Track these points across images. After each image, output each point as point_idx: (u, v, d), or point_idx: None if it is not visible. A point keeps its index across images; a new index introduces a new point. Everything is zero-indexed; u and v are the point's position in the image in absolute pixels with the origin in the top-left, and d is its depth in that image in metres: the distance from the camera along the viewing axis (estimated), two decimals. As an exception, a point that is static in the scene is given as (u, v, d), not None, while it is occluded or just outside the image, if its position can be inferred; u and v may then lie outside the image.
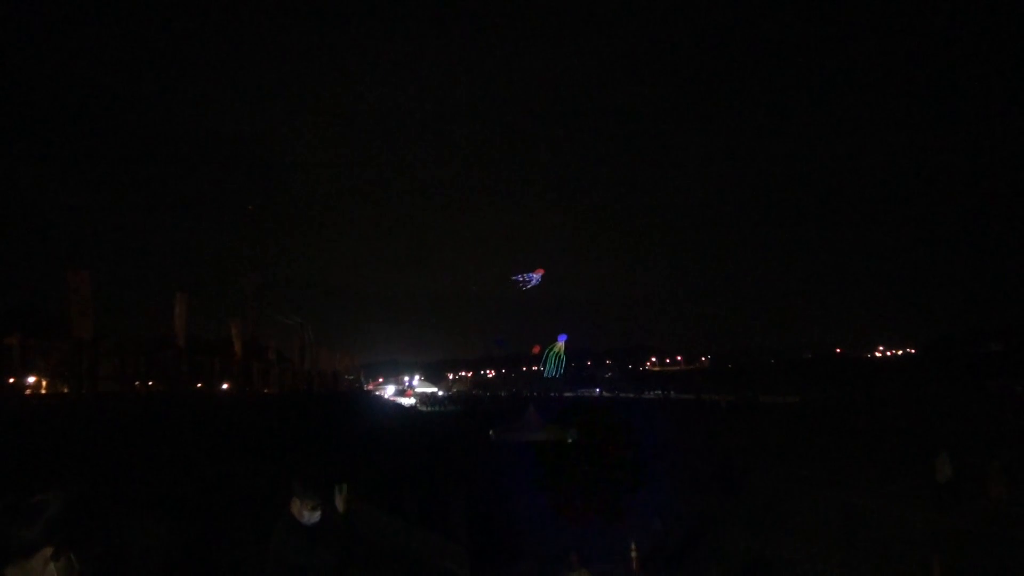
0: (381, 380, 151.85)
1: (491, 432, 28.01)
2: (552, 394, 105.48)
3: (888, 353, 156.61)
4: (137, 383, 28.95)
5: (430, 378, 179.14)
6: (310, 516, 4.09)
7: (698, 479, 21.24)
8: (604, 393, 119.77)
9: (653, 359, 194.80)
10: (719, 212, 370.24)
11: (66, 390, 24.60)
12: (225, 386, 36.10)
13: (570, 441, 25.74)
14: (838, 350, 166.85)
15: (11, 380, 24.38)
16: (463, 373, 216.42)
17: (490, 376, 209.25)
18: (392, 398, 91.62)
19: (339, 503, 4.31)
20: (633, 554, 12.98)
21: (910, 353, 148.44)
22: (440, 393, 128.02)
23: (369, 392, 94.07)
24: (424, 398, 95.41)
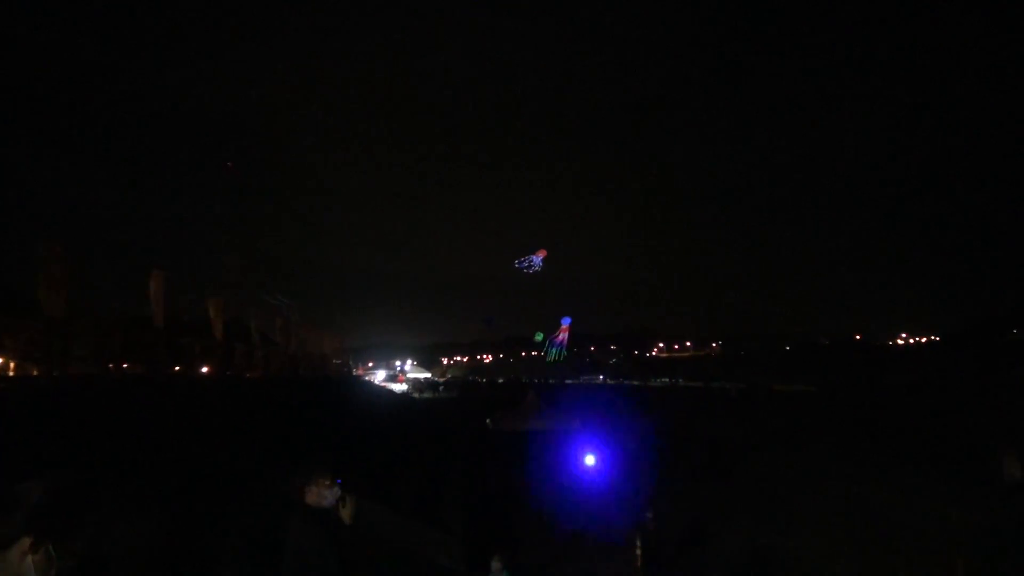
0: (371, 364, 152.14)
1: (488, 420, 28.15)
2: (551, 381, 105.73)
3: (911, 341, 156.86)
4: (112, 365, 28.96)
5: (423, 363, 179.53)
6: (331, 495, 4.14)
7: (702, 469, 21.37)
8: (608, 380, 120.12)
9: (660, 345, 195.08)
10: (731, 191, 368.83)
11: (36, 372, 24.64)
12: (205, 369, 36.14)
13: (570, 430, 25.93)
14: (857, 336, 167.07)
15: (-23, 361, 24.40)
16: (458, 358, 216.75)
17: (487, 361, 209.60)
18: (383, 384, 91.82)
19: (345, 515, 4.34)
20: (638, 551, 13.07)
21: (934, 340, 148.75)
22: (434, 379, 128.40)
23: (358, 377, 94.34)
24: (417, 384, 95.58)
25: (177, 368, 33.39)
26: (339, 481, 4.29)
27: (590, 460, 18.97)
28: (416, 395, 70.76)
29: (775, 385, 76.05)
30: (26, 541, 1.89)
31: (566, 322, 28.50)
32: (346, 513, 4.33)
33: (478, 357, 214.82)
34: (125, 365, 29.97)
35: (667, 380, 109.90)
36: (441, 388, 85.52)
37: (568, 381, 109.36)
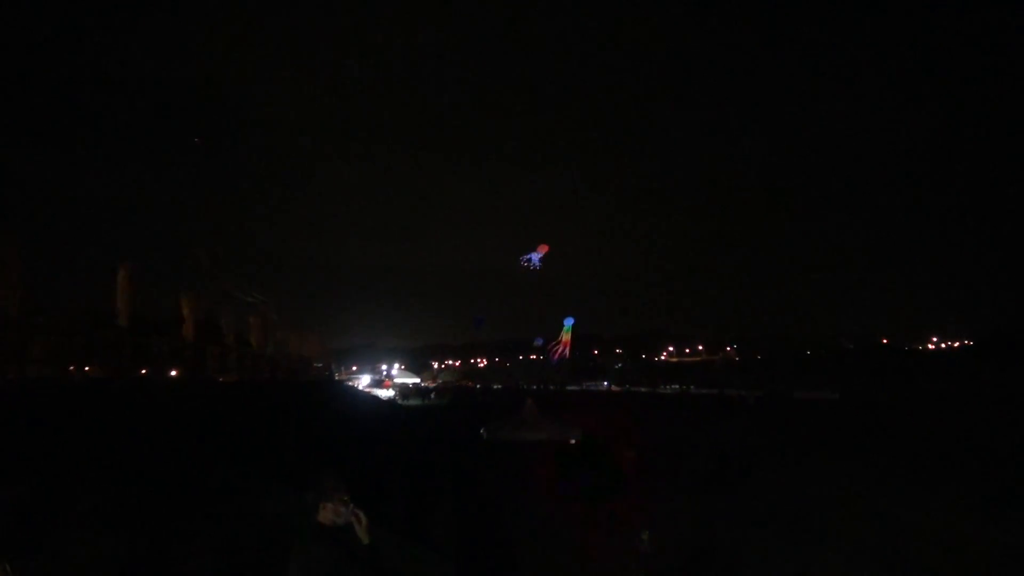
0: (355, 368, 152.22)
1: (482, 430, 28.16)
2: (551, 387, 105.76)
3: (942, 345, 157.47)
4: (72, 368, 28.89)
5: (412, 367, 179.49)
6: (347, 512, 4.12)
7: (710, 484, 21.40)
8: (613, 387, 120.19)
9: (671, 348, 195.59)
10: (746, 185, 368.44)
11: (-10, 375, 24.58)
12: (174, 373, 36.08)
13: (573, 442, 25.97)
14: (884, 340, 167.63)
15: (-76, 363, 24.31)
16: (450, 362, 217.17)
17: (481, 365, 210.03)
18: (367, 389, 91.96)
19: (362, 534, 4.32)
20: None
21: (967, 345, 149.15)
22: (423, 384, 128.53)
23: (341, 382, 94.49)
24: (404, 390, 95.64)
25: (144, 371, 33.33)
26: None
27: (589, 473, 19.02)
28: (403, 402, 70.83)
29: (795, 392, 76.13)
30: (-18, 558, 1.89)
31: (568, 323, 28.35)
32: (363, 531, 4.32)
33: (472, 361, 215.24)
34: (87, 368, 29.88)
35: (678, 387, 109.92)
36: (432, 395, 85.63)
37: (570, 387, 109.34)
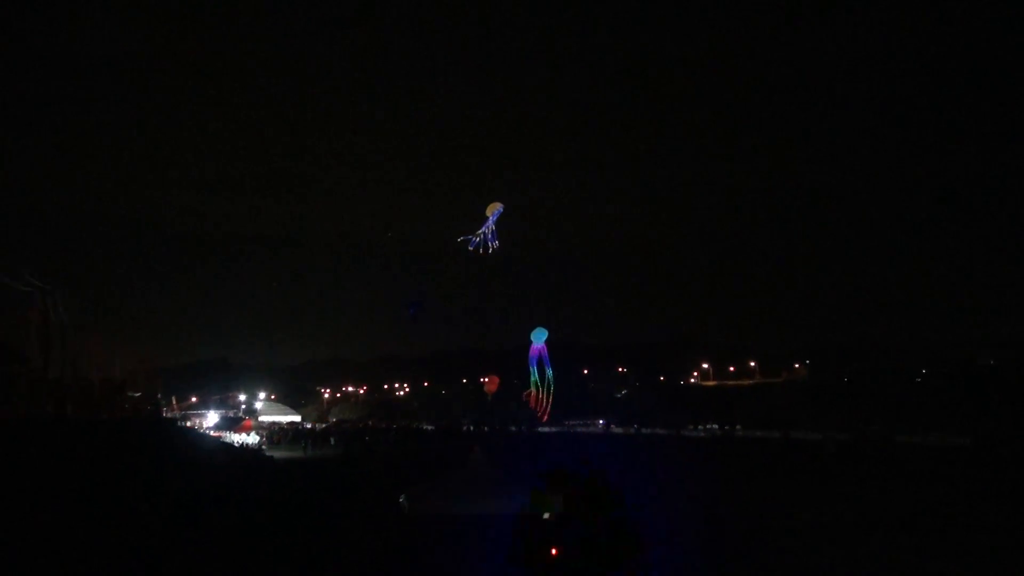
0: (196, 400, 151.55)
1: (402, 498, 28.31)
2: (512, 428, 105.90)
3: None
4: None
5: (289, 397, 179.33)
6: None
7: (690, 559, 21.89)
8: (614, 428, 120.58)
9: (705, 365, 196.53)
10: (822, 123, 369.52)
11: None
12: None
13: (547, 517, 26.25)
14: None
15: None
16: (350, 388, 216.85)
17: (402, 394, 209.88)
18: (216, 433, 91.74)
19: None
20: None
21: None
22: (306, 425, 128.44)
23: (173, 422, 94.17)
24: (276, 433, 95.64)
25: None
26: None
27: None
28: (276, 454, 70.78)
29: (900, 434, 77.23)
30: None
31: (539, 340, 28.51)
32: None
33: (385, 386, 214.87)
34: None
35: (716, 427, 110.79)
36: (332, 441, 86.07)
37: (543, 429, 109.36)
